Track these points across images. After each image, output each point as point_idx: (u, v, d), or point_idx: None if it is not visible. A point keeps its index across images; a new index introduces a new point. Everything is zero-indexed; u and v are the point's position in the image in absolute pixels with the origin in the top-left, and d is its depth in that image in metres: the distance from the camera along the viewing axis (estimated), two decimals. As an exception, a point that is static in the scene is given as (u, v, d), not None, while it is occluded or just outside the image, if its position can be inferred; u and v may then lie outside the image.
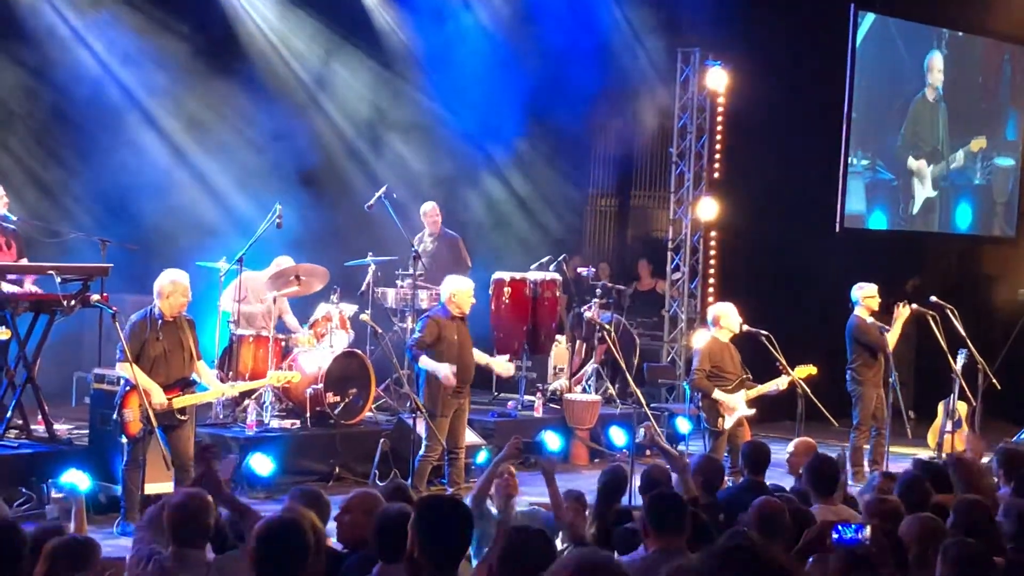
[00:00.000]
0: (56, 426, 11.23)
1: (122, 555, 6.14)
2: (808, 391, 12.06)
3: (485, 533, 7.13)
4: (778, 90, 16.44)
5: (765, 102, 16.45)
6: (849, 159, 17.78)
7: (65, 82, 14.41)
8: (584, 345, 15.28)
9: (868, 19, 17.87)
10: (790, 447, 9.43)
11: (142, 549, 5.94)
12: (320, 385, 12.23)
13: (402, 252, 14.28)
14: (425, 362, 11.25)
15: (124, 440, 9.87)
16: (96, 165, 14.57)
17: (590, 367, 15.00)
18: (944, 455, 12.08)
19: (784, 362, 12.10)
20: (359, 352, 12.80)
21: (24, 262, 11.23)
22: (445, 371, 11.14)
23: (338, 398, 12.35)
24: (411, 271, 13.92)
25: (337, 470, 12.05)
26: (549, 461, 8.02)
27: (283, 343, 12.62)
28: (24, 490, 10.08)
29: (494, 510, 7.57)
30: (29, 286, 11.11)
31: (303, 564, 5.19)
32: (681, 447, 13.03)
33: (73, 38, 14.53)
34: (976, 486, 7.80)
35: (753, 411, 12.02)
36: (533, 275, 14.49)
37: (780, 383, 12.07)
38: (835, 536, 5.75)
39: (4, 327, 10.10)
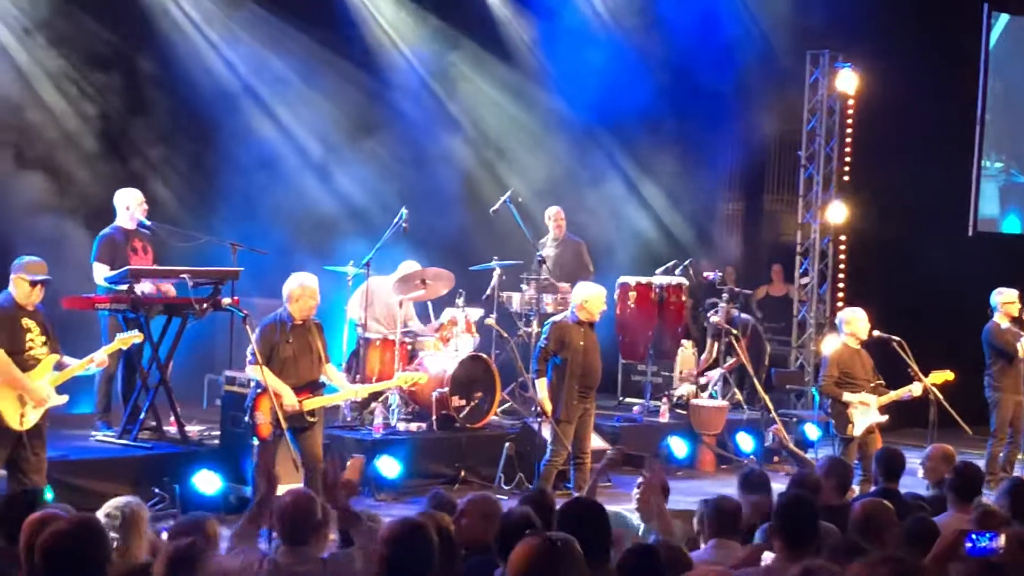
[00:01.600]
0: (188, 427, 11.40)
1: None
2: (941, 398, 11.85)
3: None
4: (909, 92, 16.17)
5: (895, 104, 16.20)
6: (983, 162, 17.45)
7: (197, 88, 14.65)
8: (715, 345, 15.02)
9: (1002, 20, 17.52)
10: (927, 453, 9.18)
11: (251, 552, 6.02)
12: (446, 389, 12.28)
13: (527, 256, 14.30)
14: (539, 386, 11.24)
15: (256, 442, 9.99)
16: (227, 170, 14.79)
17: (717, 372, 14.85)
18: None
19: (916, 368, 11.89)
20: (484, 356, 12.83)
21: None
22: (546, 409, 11.13)
23: (463, 402, 12.40)
24: (536, 275, 13.92)
25: (463, 473, 12.08)
26: (653, 471, 7.93)
27: (409, 346, 12.71)
28: (157, 490, 10.25)
29: (635, 520, 7.49)
30: (167, 289, 11.29)
31: (428, 568, 5.20)
32: (810, 454, 12.89)
33: (204, 42, 14.79)
34: None
35: (885, 418, 11.82)
36: (659, 279, 14.41)
37: (913, 389, 11.85)
38: (968, 544, 5.63)
39: (137, 331, 10.26)
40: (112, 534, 5.87)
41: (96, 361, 9.56)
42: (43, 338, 9.18)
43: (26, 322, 9.09)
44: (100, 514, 6.00)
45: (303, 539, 6.00)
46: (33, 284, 9.11)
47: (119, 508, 6.07)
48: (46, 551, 4.86)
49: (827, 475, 8.03)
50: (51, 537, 4.89)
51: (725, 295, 15.05)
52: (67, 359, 9.35)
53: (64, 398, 9.34)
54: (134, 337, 10.07)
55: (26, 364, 9.06)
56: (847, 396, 11.68)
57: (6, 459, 8.85)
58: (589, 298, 11.36)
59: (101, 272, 11.05)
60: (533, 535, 4.88)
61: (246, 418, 10.04)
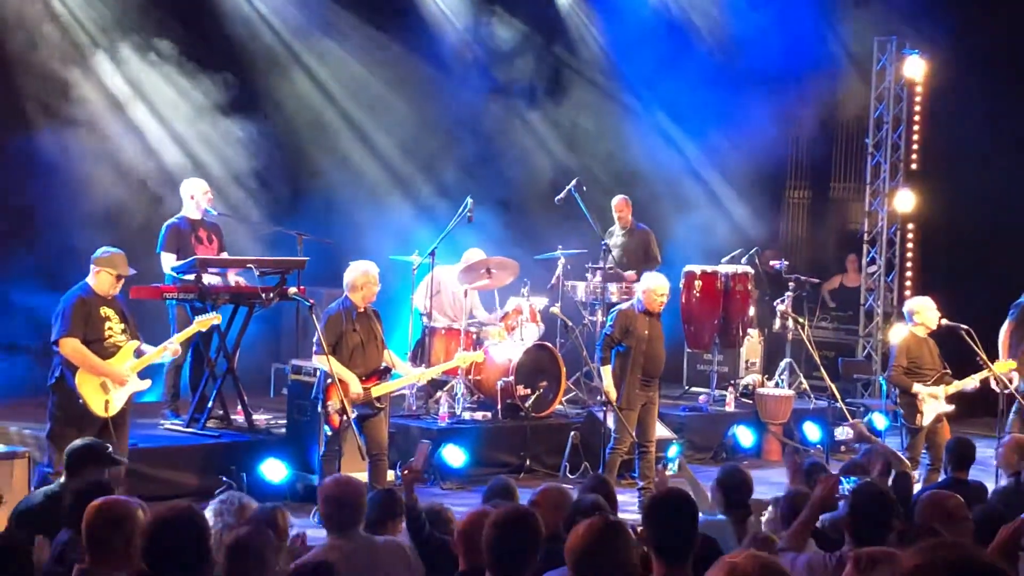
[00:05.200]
0: (255, 416, 11.48)
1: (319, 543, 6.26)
2: (1010, 387, 11.71)
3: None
4: (978, 78, 15.97)
5: (965, 91, 16.00)
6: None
7: (266, 80, 14.74)
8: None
9: (1074, 3, 17.24)
10: (1002, 442, 9.04)
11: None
12: (511, 378, 12.29)
13: (592, 245, 14.26)
14: (604, 374, 11.22)
15: (328, 432, 10.02)
16: (293, 163, 14.87)
17: (783, 362, 14.78)
18: None
19: (985, 357, 11.76)
20: (549, 345, 12.83)
21: (225, 255, 11.51)
22: (610, 396, 11.10)
23: (528, 391, 12.40)
24: (601, 264, 13.90)
25: (528, 462, 12.09)
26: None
27: (474, 335, 12.72)
28: (225, 479, 10.32)
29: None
30: (232, 278, 11.37)
31: (533, 556, 5.21)
32: (877, 444, 12.78)
33: (276, 40, 14.90)
34: None
35: (952, 407, 11.70)
36: (725, 268, 14.35)
37: (980, 379, 11.72)
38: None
39: (216, 313, 10.37)
40: (228, 519, 5.99)
41: (170, 349, 9.69)
42: (122, 325, 9.33)
43: (104, 311, 9.24)
44: (213, 502, 6.12)
45: (350, 523, 6.08)
46: (119, 279, 9.28)
47: (233, 498, 6.17)
48: (147, 537, 4.89)
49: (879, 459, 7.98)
50: (154, 525, 4.91)
51: (791, 284, 14.97)
52: (145, 346, 9.46)
53: (147, 383, 9.52)
54: (212, 319, 10.18)
55: (107, 352, 9.20)
56: (916, 387, 11.56)
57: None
58: (648, 288, 11.34)
59: (168, 262, 11.15)
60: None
61: (319, 408, 10.08)
